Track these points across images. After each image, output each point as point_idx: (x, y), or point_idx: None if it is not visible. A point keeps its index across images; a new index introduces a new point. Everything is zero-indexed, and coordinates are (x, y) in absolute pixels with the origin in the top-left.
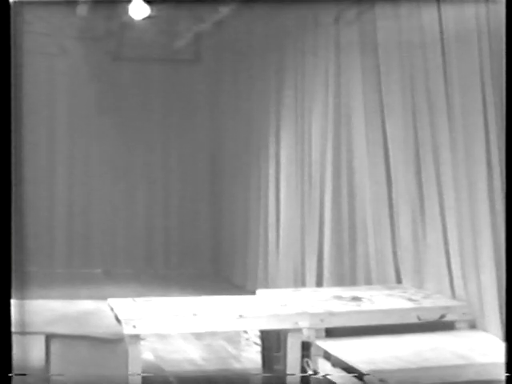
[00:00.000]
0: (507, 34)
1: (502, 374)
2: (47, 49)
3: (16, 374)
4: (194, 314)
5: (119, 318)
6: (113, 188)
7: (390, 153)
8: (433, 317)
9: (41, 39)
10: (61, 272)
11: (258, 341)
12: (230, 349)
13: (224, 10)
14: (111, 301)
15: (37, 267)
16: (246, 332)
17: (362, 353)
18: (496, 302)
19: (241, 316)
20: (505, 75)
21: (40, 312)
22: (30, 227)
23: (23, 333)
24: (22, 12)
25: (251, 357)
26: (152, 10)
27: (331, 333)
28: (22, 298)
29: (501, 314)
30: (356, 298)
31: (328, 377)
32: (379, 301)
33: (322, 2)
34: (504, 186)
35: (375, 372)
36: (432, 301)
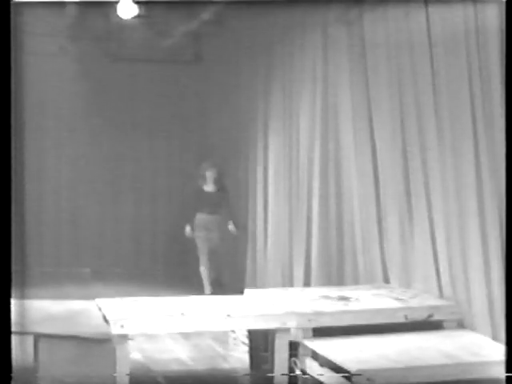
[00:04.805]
0: (507, 34)
1: (491, 373)
2: (47, 49)
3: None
4: (182, 314)
5: (107, 317)
6: (102, 188)
7: (378, 153)
8: (420, 316)
9: (40, 39)
10: (49, 271)
11: (246, 340)
12: (217, 348)
13: (213, 10)
14: (99, 300)
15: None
16: (233, 332)
17: (349, 352)
18: (484, 302)
19: (228, 316)
20: (505, 75)
21: (28, 312)
22: (18, 227)
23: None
24: (21, 12)
25: (239, 356)
26: (147, 9)
27: (319, 332)
28: (15, 297)
29: (489, 313)
30: (343, 298)
31: (315, 376)
32: (367, 300)
33: (312, 4)
34: (504, 186)
35: (363, 371)
36: (419, 300)
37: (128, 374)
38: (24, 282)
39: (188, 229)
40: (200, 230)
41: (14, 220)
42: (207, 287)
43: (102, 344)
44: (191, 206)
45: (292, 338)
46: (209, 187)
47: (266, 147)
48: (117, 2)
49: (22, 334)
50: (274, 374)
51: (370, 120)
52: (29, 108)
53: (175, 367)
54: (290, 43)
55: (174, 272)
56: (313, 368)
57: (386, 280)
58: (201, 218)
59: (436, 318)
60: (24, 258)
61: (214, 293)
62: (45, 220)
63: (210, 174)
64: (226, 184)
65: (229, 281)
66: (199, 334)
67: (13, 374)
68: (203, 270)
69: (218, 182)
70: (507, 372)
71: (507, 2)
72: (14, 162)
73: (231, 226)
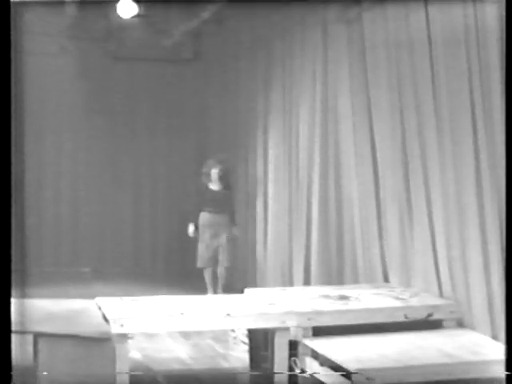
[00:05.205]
0: (507, 34)
1: (491, 372)
2: (47, 49)
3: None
4: (182, 313)
5: (107, 316)
6: (101, 187)
7: (378, 152)
8: (420, 315)
9: (40, 39)
10: (49, 271)
11: (246, 340)
12: (217, 348)
13: (212, 9)
14: (99, 300)
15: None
16: (233, 331)
17: (349, 351)
18: (484, 301)
19: (228, 315)
20: (505, 75)
21: (28, 311)
22: (19, 227)
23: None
24: (21, 12)
25: (239, 356)
26: (147, 8)
27: (319, 332)
28: (15, 297)
29: (489, 312)
30: (343, 297)
31: (315, 375)
32: (366, 299)
33: (311, 2)
34: (504, 186)
35: (362, 370)
36: (419, 299)
37: (128, 373)
38: (24, 281)
39: (191, 228)
40: (204, 229)
41: (13, 220)
42: (210, 288)
43: (102, 343)
44: (195, 204)
45: (292, 338)
46: (214, 185)
47: (265, 146)
48: (117, 2)
49: (21, 333)
50: (273, 372)
51: (370, 119)
52: (29, 108)
53: (175, 366)
54: (289, 42)
55: (175, 271)
56: (313, 367)
57: (386, 279)
58: (205, 217)
59: (436, 317)
60: (24, 257)
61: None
62: (45, 219)
63: (215, 172)
64: (232, 182)
65: (232, 281)
66: (199, 334)
67: (12, 373)
68: (206, 271)
69: (224, 180)
70: (507, 371)
71: (507, 2)
72: (14, 162)
73: (235, 230)
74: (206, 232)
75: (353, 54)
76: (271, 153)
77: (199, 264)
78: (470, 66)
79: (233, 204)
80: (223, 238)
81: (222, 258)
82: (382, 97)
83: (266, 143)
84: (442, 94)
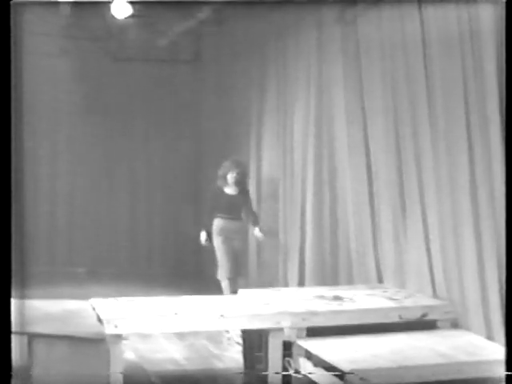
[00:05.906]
0: (507, 35)
1: (485, 372)
2: (47, 49)
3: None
4: (176, 314)
5: (101, 317)
6: (96, 187)
7: (372, 155)
8: (414, 316)
9: (40, 39)
10: (44, 271)
11: (240, 340)
12: (211, 348)
13: (209, 10)
14: (93, 300)
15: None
16: (227, 331)
17: (343, 352)
18: (479, 301)
19: (222, 316)
20: (505, 75)
21: (22, 311)
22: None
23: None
24: (21, 12)
25: (233, 356)
26: (143, 9)
27: (313, 332)
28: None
29: (484, 312)
30: (338, 298)
31: (309, 376)
32: (361, 300)
33: (308, 4)
34: (500, 186)
35: (356, 371)
36: (413, 300)
37: (121, 373)
38: (23, 282)
39: (204, 236)
40: (220, 236)
41: (13, 220)
42: None
43: (96, 344)
44: (208, 209)
45: (286, 338)
46: (230, 189)
47: (259, 145)
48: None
49: (20, 333)
50: (267, 373)
51: (365, 121)
52: (28, 108)
53: (169, 367)
54: (285, 43)
55: (171, 272)
56: (306, 368)
57: (380, 280)
58: (220, 223)
59: (430, 317)
60: (22, 258)
61: None
62: (40, 220)
63: (232, 176)
64: (248, 186)
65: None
66: (193, 334)
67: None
68: (224, 282)
69: (241, 184)
70: (507, 371)
71: (507, 3)
72: (14, 162)
73: (257, 232)
74: (221, 240)
75: (347, 55)
76: (265, 152)
77: (220, 276)
78: (464, 67)
79: (251, 207)
80: (239, 245)
81: (240, 266)
82: (377, 97)
83: (260, 143)
84: (436, 94)
